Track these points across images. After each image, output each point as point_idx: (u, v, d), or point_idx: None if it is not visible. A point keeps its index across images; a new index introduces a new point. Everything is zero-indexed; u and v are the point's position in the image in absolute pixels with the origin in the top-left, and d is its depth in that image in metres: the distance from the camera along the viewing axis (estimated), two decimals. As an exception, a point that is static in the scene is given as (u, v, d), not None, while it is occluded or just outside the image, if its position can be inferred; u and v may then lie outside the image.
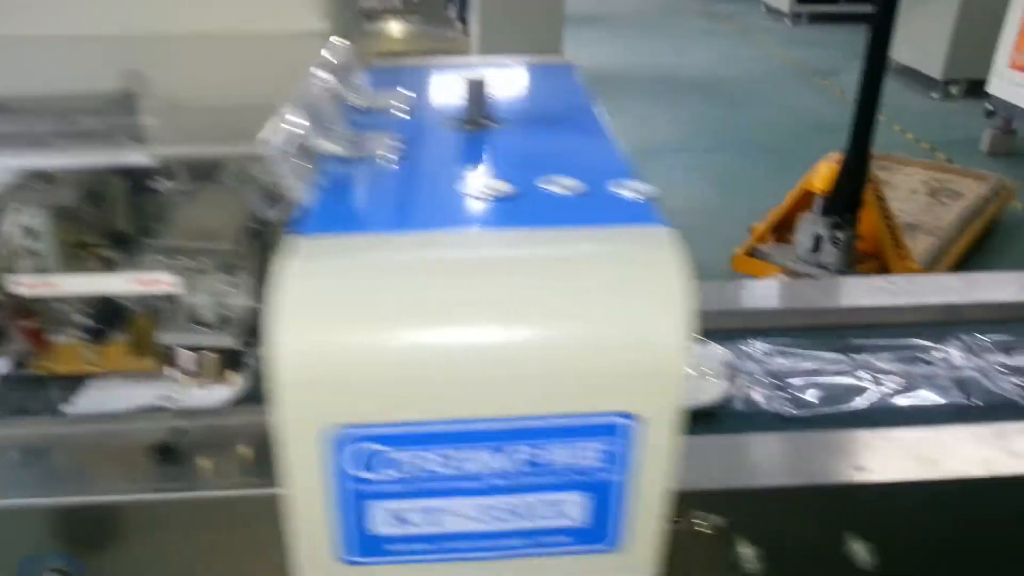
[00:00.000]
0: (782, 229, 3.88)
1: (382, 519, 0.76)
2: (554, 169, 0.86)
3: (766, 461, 1.09)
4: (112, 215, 1.15)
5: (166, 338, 1.10)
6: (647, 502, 0.77)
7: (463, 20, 3.26)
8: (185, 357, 1.15)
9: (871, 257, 3.73)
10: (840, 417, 1.25)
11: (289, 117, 0.86)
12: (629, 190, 0.81)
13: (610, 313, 0.69)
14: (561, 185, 0.82)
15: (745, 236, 4.10)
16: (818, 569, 1.09)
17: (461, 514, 0.77)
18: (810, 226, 3.51)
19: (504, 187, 0.81)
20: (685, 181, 5.28)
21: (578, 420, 0.72)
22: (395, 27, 3.45)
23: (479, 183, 0.82)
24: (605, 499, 0.76)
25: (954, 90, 6.76)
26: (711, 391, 1.29)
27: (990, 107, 5.57)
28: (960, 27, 6.35)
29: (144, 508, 1.07)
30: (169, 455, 1.11)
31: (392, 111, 1.06)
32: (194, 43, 1.34)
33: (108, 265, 1.11)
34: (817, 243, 3.49)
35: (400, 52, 3.26)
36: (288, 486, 0.74)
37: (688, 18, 10.07)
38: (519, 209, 0.79)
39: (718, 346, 1.39)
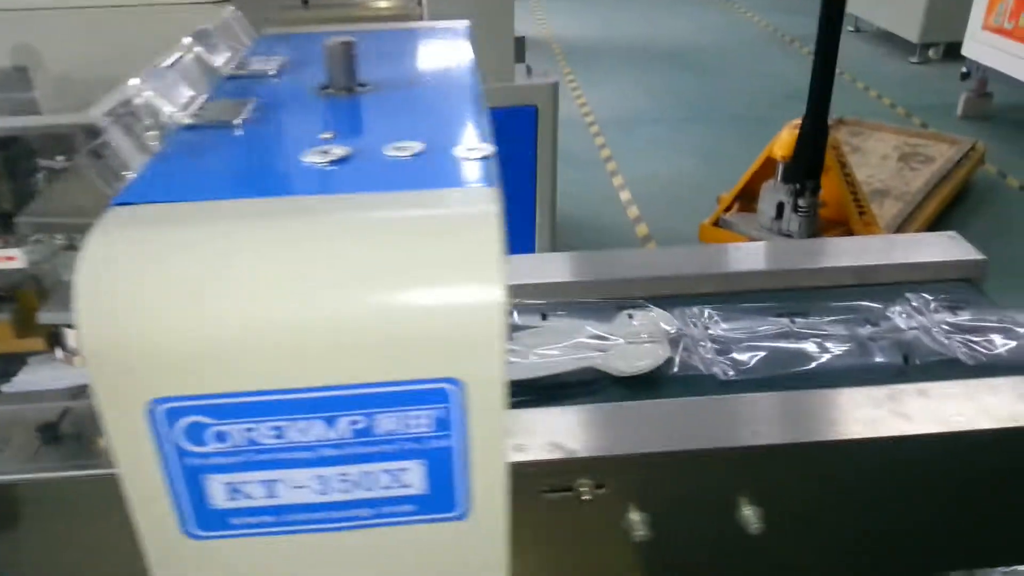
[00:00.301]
0: (747, 198, 3.87)
1: (220, 493, 0.75)
2: (405, 133, 0.84)
3: (653, 426, 1.08)
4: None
5: (49, 317, 1.08)
6: (487, 469, 0.75)
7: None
8: (71, 336, 1.14)
9: (837, 224, 3.72)
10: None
11: (130, 85, 0.84)
12: (470, 152, 0.79)
13: (427, 278, 0.67)
14: (404, 149, 0.80)
15: (714, 207, 4.09)
16: (708, 534, 1.09)
17: (300, 485, 0.75)
18: (772, 194, 3.49)
19: (342, 152, 0.79)
20: (660, 152, 5.26)
21: (405, 387, 0.70)
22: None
23: (319, 149, 0.80)
24: (442, 466, 0.75)
25: (932, 53, 6.72)
26: (651, 356, 1.27)
27: (965, 70, 5.54)
28: (936, -11, 6.31)
29: (30, 488, 1.06)
30: (55, 435, 1.10)
31: (260, 78, 1.04)
32: (88, 15, 1.32)
33: (-13, 244, 1.09)
34: (780, 211, 3.47)
35: (334, 19, 3.23)
36: (120, 464, 0.73)
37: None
38: (353, 174, 0.77)
39: (661, 311, 1.37)
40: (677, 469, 1.05)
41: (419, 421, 0.72)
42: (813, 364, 1.24)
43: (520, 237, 3.41)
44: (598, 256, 1.63)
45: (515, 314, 1.37)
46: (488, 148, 0.80)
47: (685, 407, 1.13)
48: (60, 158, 1.15)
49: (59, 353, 1.16)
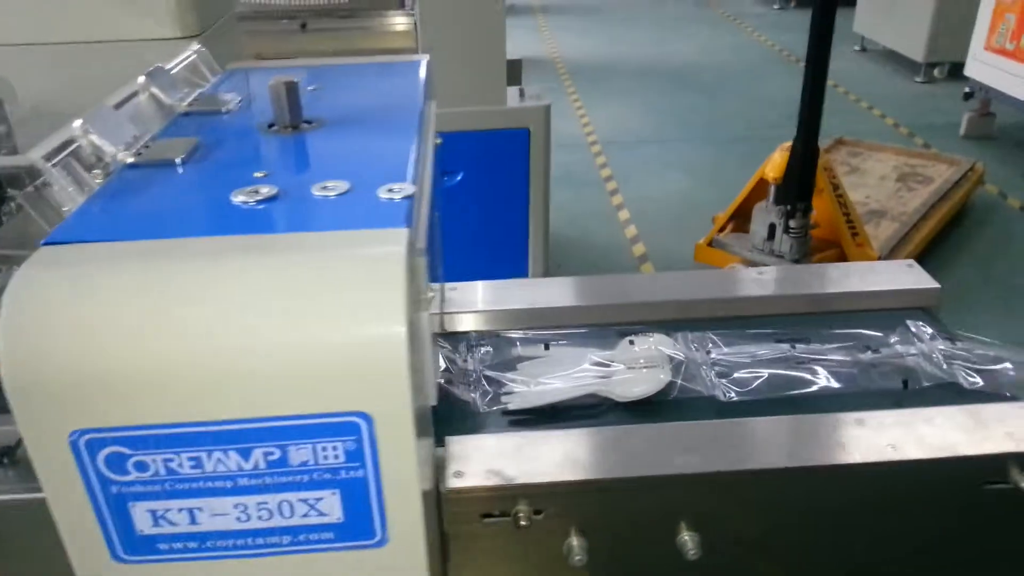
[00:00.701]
0: (742, 218, 3.88)
1: (145, 519, 0.78)
2: (337, 172, 0.88)
3: (602, 454, 1.10)
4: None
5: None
6: (402, 498, 0.78)
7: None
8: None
9: (830, 244, 3.72)
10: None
11: (73, 126, 0.88)
12: (391, 192, 0.82)
13: (336, 316, 0.71)
14: (330, 189, 0.83)
15: (712, 226, 4.10)
16: (648, 560, 1.10)
17: (221, 513, 0.79)
18: (764, 215, 3.51)
19: (270, 191, 0.83)
20: (660, 172, 5.28)
21: (316, 420, 0.74)
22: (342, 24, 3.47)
23: (250, 188, 0.83)
24: (357, 496, 0.78)
25: (937, 73, 6.72)
26: (651, 381, 1.28)
27: (968, 90, 5.54)
28: (941, 8, 6.31)
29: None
30: (11, 459, 1.13)
31: (213, 115, 1.08)
32: (62, 51, 1.37)
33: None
34: (772, 232, 3.49)
35: (325, 49, 3.28)
36: (48, 491, 0.76)
37: (675, 5, 10.04)
38: (278, 214, 0.81)
39: (663, 336, 1.38)
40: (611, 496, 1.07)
41: (331, 452, 0.75)
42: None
43: (513, 258, 3.45)
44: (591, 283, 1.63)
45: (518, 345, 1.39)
46: (409, 188, 0.83)
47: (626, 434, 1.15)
48: (13, 190, 1.20)
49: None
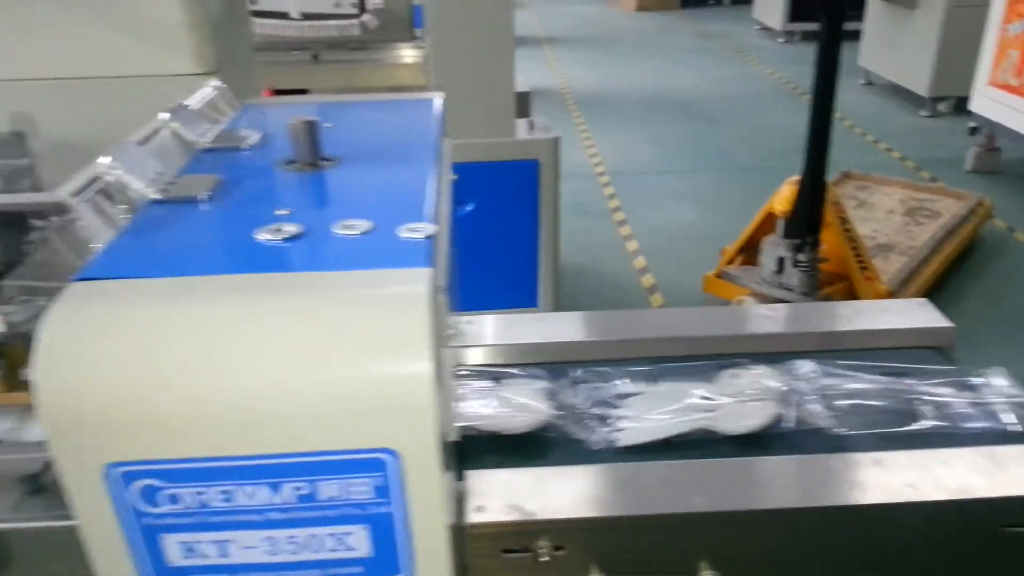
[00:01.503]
0: (750, 251, 3.90)
1: (176, 551, 0.79)
2: (357, 210, 0.90)
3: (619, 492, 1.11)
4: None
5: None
6: (428, 533, 0.79)
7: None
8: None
9: (840, 279, 3.74)
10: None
11: (99, 162, 0.90)
12: (412, 231, 0.84)
13: (363, 355, 0.72)
14: (352, 227, 0.85)
15: (720, 258, 4.12)
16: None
17: (250, 546, 0.79)
18: (773, 248, 3.52)
19: (294, 229, 0.84)
20: (668, 202, 5.31)
21: (345, 456, 0.75)
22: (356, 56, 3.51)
23: (273, 227, 0.85)
24: (385, 531, 0.79)
25: (942, 107, 6.76)
26: (758, 415, 1.26)
27: (974, 124, 5.57)
28: (945, 43, 6.36)
29: (10, 537, 1.10)
30: (37, 486, 1.14)
31: (234, 151, 1.10)
32: (83, 85, 1.39)
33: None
34: (781, 265, 3.50)
35: (337, 86, 3.33)
36: (81, 522, 0.78)
37: (682, 38, 10.14)
38: (303, 252, 0.82)
39: (766, 368, 1.36)
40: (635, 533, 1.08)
41: (359, 488, 0.76)
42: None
43: (523, 289, 3.47)
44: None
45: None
46: (430, 228, 0.85)
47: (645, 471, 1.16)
48: (41, 223, 1.22)
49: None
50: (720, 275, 3.94)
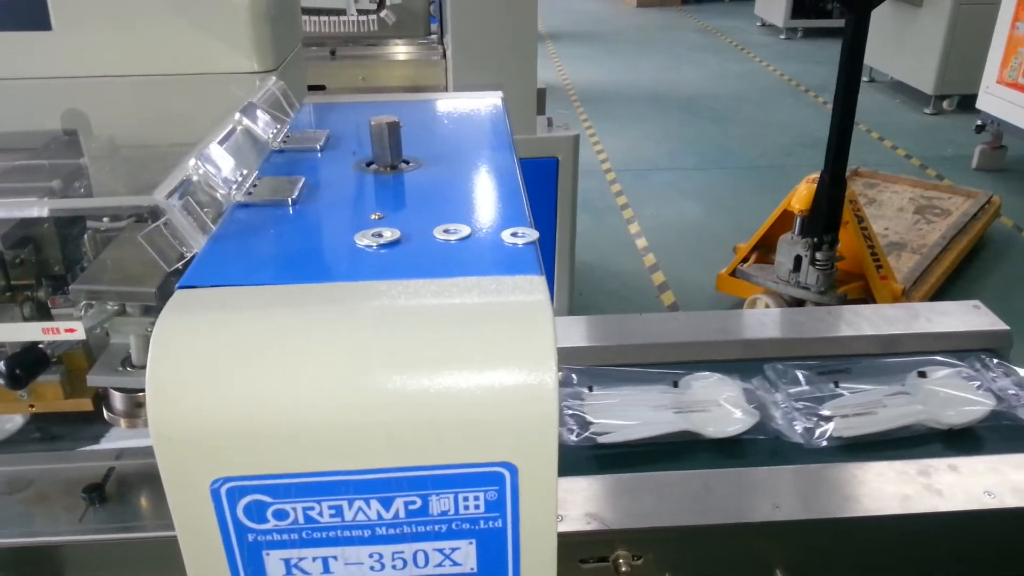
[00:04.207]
0: (765, 249, 3.89)
1: (278, 568, 0.77)
2: (451, 215, 0.88)
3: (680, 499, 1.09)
4: (46, 258, 1.16)
5: (96, 380, 1.11)
6: (537, 548, 0.77)
7: (443, 43, 3.29)
8: (117, 399, 1.17)
9: (855, 277, 3.73)
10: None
11: (188, 164, 0.88)
12: (515, 237, 0.82)
13: (485, 366, 0.70)
14: (452, 232, 0.83)
15: (731, 255, 4.11)
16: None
17: (355, 562, 0.77)
18: (789, 247, 3.51)
19: (393, 235, 0.82)
20: (675, 199, 5.30)
21: (461, 470, 0.73)
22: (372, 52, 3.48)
23: (370, 231, 0.83)
24: (494, 546, 0.77)
25: (947, 105, 6.77)
26: (739, 423, 1.28)
27: (980, 122, 5.58)
28: (951, 41, 6.37)
29: (76, 550, 1.08)
30: (100, 496, 1.12)
31: (307, 152, 1.07)
32: (136, 83, 1.36)
33: (42, 309, 1.12)
34: (797, 264, 3.49)
35: (361, 86, 3.29)
36: (182, 537, 0.75)
37: (684, 34, 10.12)
38: (405, 259, 0.80)
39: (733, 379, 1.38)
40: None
41: (472, 503, 0.74)
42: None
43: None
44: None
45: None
46: (534, 233, 0.83)
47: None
48: (106, 220, 1.19)
49: (106, 415, 1.18)
50: (734, 273, 3.93)
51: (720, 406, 1.28)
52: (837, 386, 1.35)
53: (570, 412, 1.30)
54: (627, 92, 7.70)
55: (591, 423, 1.27)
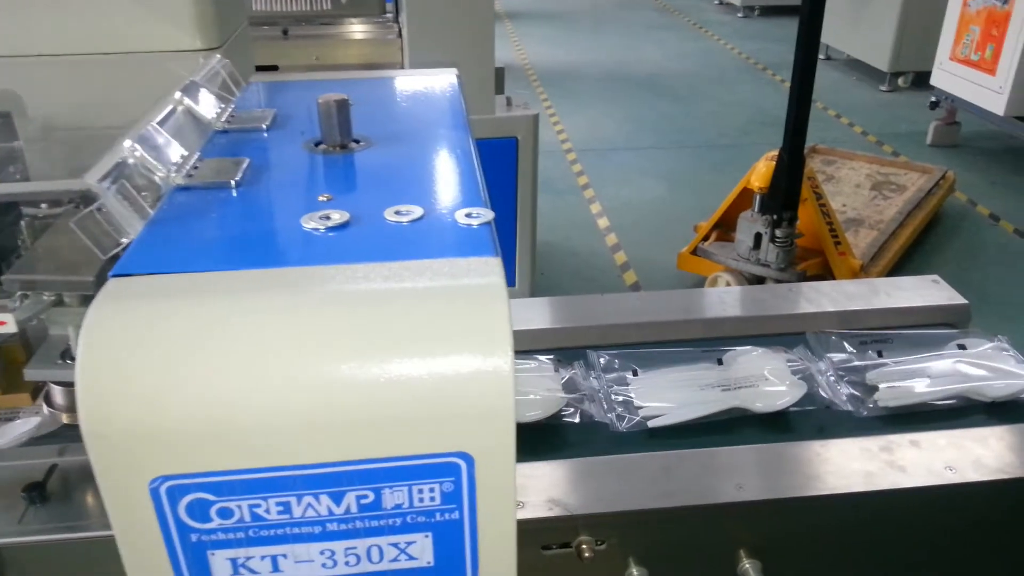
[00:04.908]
0: (725, 227, 3.90)
1: (224, 568, 0.74)
2: (403, 196, 0.84)
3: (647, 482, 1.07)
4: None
5: (33, 374, 1.06)
6: (495, 540, 0.75)
7: (398, 21, 3.23)
8: (57, 392, 1.12)
9: (814, 253, 3.75)
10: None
11: (123, 146, 0.83)
12: (470, 217, 0.79)
13: (437, 353, 0.67)
14: (404, 214, 0.79)
15: (692, 234, 4.11)
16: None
17: (306, 560, 0.74)
18: (749, 224, 3.52)
19: (342, 217, 0.78)
20: (636, 178, 5.29)
21: (414, 462, 0.70)
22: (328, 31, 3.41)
23: (317, 214, 0.79)
24: (450, 539, 0.74)
25: (901, 82, 6.83)
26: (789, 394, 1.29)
27: (934, 99, 5.64)
28: (905, 18, 6.42)
29: (15, 552, 1.03)
30: (42, 495, 1.07)
31: (252, 132, 1.03)
32: (72, 63, 1.30)
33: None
34: (757, 241, 3.50)
35: (316, 64, 3.23)
36: (121, 539, 0.72)
37: (643, 13, 10.10)
38: (354, 241, 0.76)
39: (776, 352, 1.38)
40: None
41: (427, 495, 0.71)
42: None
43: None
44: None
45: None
46: (488, 214, 0.80)
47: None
48: (44, 206, 1.13)
49: (45, 408, 1.13)
50: (695, 251, 3.93)
51: (767, 379, 1.29)
52: (880, 356, 1.36)
53: (618, 399, 1.29)
54: (587, 72, 7.66)
55: (639, 407, 1.27)
